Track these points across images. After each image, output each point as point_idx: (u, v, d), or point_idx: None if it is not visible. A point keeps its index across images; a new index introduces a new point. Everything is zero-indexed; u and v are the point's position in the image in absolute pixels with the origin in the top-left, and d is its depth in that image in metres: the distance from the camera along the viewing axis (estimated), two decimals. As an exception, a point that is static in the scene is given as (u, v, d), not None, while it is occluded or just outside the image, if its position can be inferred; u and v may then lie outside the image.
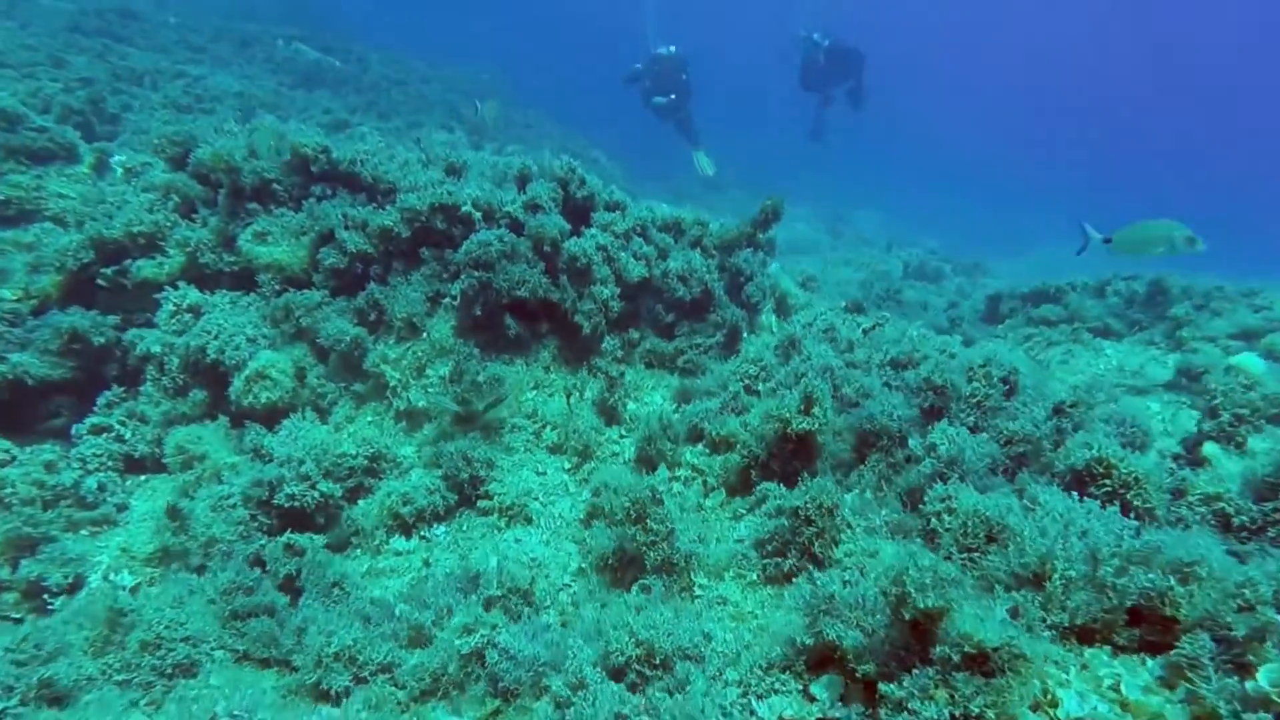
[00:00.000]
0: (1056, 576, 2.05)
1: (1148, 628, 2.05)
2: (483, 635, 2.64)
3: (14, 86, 9.18)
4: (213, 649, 3.04)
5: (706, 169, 14.89)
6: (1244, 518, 2.57)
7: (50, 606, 3.58)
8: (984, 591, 2.15)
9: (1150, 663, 2.00)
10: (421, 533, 3.82)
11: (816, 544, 2.70)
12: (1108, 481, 2.59)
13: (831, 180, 21.56)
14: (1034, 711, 1.84)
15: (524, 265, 4.34)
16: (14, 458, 4.25)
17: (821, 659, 2.16)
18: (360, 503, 3.97)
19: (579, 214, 4.76)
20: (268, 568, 3.42)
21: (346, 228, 4.52)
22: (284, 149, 4.65)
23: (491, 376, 4.08)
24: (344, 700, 2.69)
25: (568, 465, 4.03)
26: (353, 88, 15.88)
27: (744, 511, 3.29)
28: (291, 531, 3.56)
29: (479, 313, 4.28)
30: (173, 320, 4.41)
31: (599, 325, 4.40)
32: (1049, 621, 2.05)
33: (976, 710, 1.73)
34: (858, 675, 2.01)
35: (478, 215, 4.43)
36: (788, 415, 2.99)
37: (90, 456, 4.21)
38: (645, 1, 16.69)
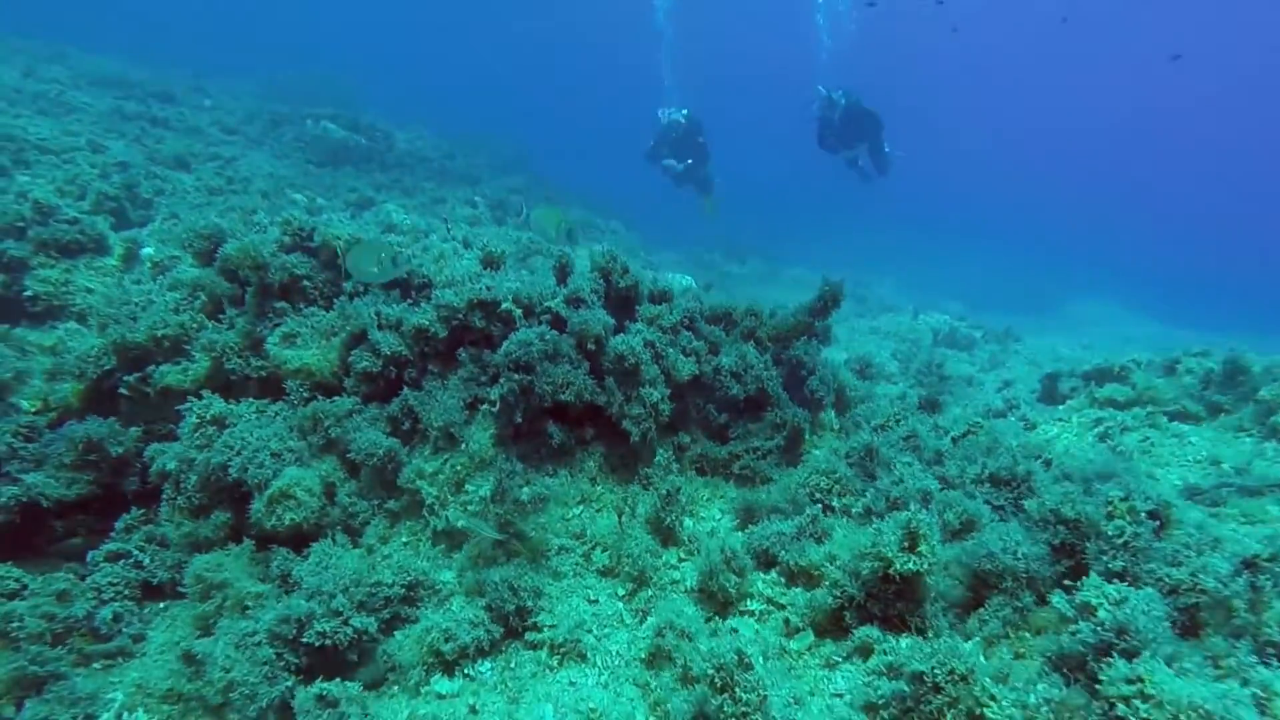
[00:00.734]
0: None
1: None
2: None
3: (53, 174, 9.16)
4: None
5: (713, 216, 14.42)
6: None
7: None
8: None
9: None
10: (465, 670, 3.36)
11: (949, 717, 2.23)
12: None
13: (846, 242, 21.41)
14: None
15: (567, 366, 3.97)
16: (25, 586, 3.86)
17: None
18: (397, 634, 3.53)
19: (622, 305, 4.42)
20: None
21: (380, 328, 4.20)
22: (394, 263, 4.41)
23: (536, 495, 3.67)
24: None
25: (622, 592, 3.58)
26: (378, 164, 15.98)
27: (839, 659, 2.82)
28: (322, 672, 3.14)
29: (520, 420, 3.89)
30: (196, 434, 4.05)
31: (649, 431, 4.00)
32: None
33: None
34: None
35: (518, 312, 4.09)
36: (889, 555, 2.55)
37: (106, 585, 3.81)
38: (662, 69, 16.75)
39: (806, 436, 4.33)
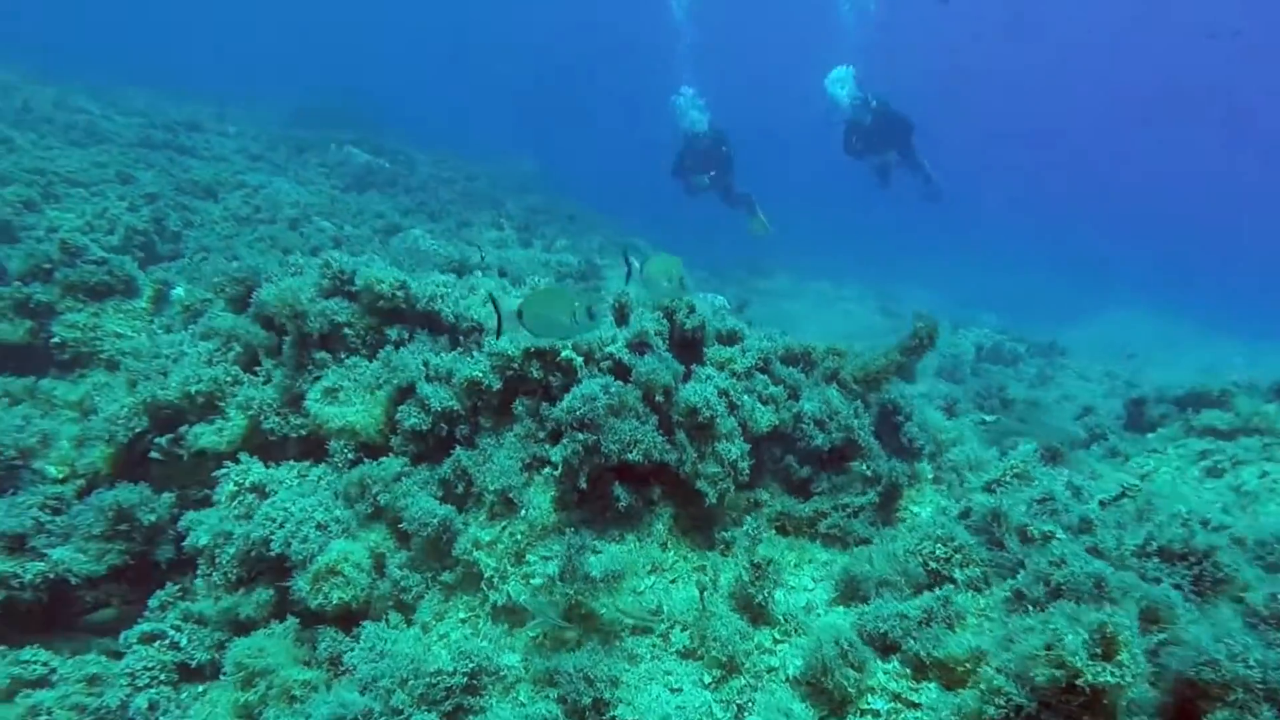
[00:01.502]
0: None
1: None
2: None
3: (82, 208, 8.91)
4: None
5: (765, 231, 13.69)
6: None
7: None
8: None
9: None
10: (538, 776, 2.94)
11: None
12: None
13: (871, 253, 20.88)
14: None
15: (634, 421, 3.55)
16: (53, 671, 3.49)
17: None
18: (459, 729, 3.11)
19: (688, 347, 4.00)
20: None
21: (429, 380, 3.80)
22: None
23: (609, 571, 3.25)
24: None
25: (708, 679, 3.14)
26: (402, 188, 15.71)
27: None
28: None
29: (584, 485, 3.48)
30: (234, 502, 3.67)
31: (726, 491, 3.57)
32: None
33: None
34: None
35: (579, 360, 3.68)
36: (1077, 664, 2.10)
37: (140, 670, 3.43)
38: (680, 74, 16.15)
39: (904, 491, 3.87)
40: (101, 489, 3.88)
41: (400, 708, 2.90)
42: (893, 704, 2.69)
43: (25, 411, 4.09)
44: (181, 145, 13.83)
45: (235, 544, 3.49)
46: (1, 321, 5.18)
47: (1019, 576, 2.77)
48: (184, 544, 3.61)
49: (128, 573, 3.93)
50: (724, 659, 3.11)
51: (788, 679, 3.01)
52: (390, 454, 3.85)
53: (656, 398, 3.58)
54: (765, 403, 3.74)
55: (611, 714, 3.03)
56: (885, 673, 2.80)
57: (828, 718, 2.76)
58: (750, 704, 2.96)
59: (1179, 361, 12.36)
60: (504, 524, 3.64)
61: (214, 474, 3.90)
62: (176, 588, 3.71)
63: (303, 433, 3.95)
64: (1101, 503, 3.40)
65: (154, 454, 4.01)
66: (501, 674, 3.25)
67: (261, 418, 3.92)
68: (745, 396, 3.72)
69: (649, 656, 3.26)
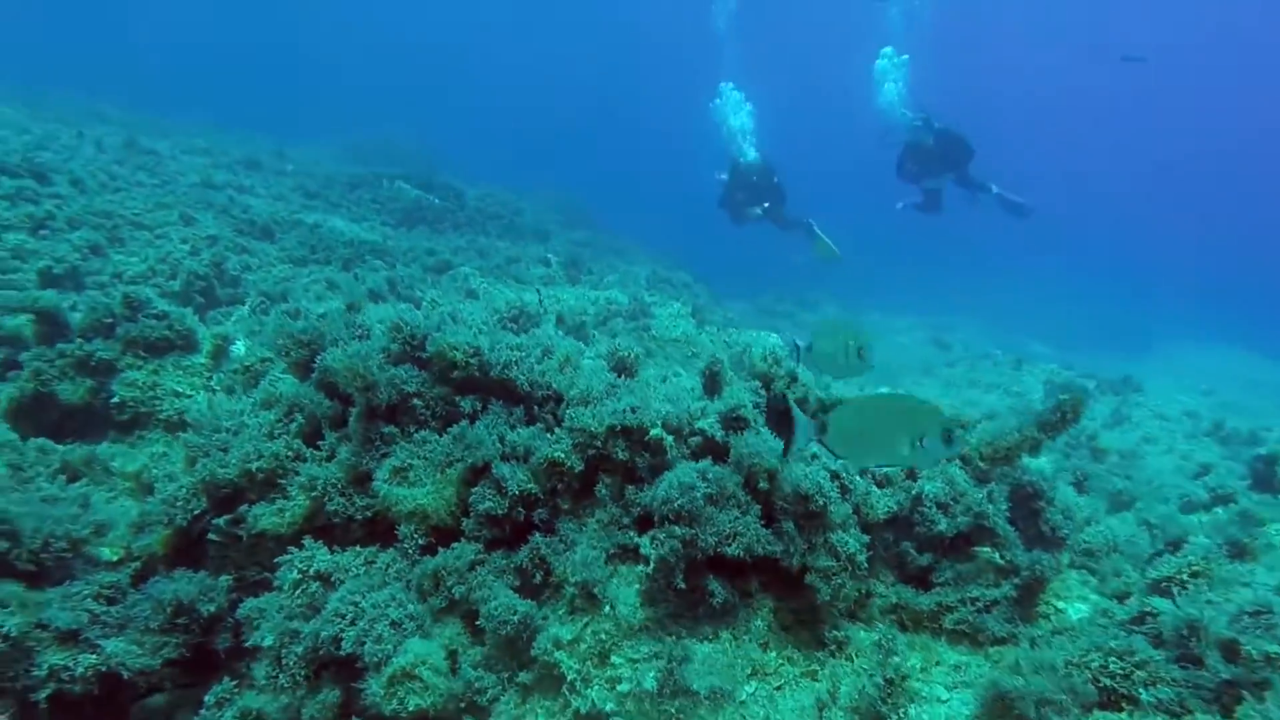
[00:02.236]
0: None
1: None
2: None
3: (146, 252, 8.87)
4: None
5: (832, 256, 12.86)
6: None
7: None
8: None
9: None
10: None
11: None
12: None
13: (920, 280, 20.18)
14: None
15: (734, 511, 3.11)
16: (100, 774, 3.15)
17: None
18: None
19: (788, 419, 3.55)
20: None
21: (505, 459, 3.42)
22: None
23: (714, 689, 2.80)
24: None
25: (835, 822, 2.66)
26: (450, 223, 15.64)
27: None
28: None
29: (681, 584, 3.04)
30: (297, 592, 3.31)
31: (842, 588, 3.10)
32: None
33: None
34: None
35: (669, 440, 3.26)
36: None
37: (193, 781, 3.07)
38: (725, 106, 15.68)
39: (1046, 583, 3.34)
40: (158, 576, 3.56)
41: None
42: None
43: (81, 492, 3.82)
44: (241, 185, 13.93)
45: (303, 643, 3.12)
46: (63, 381, 4.97)
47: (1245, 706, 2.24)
48: (245, 641, 3.26)
49: (181, 663, 3.60)
50: (855, 800, 2.63)
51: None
52: (462, 538, 3.47)
53: (760, 484, 3.14)
54: (881, 484, 3.27)
55: None
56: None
57: None
58: None
59: (1260, 396, 11.48)
60: (586, 620, 3.22)
61: (274, 558, 3.56)
62: (233, 684, 3.35)
63: (369, 514, 3.59)
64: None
65: (212, 536, 3.69)
66: (592, 803, 2.82)
67: (326, 499, 3.57)
68: (858, 478, 3.26)
69: (761, 788, 2.79)
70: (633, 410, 3.24)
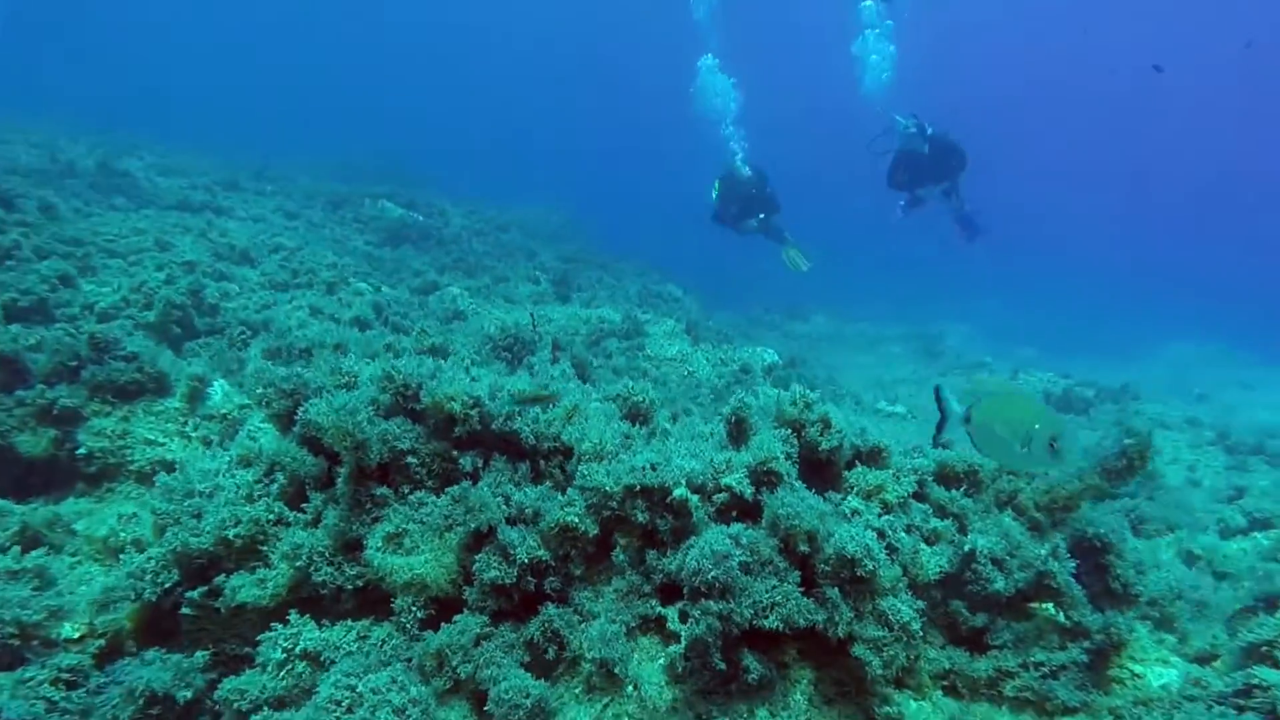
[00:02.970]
0: None
1: None
2: None
3: (119, 281, 8.38)
4: None
5: (801, 266, 12.63)
6: None
7: None
8: None
9: None
10: None
11: None
12: None
13: (907, 288, 20.00)
14: None
15: (772, 579, 2.76)
16: None
17: None
18: None
19: (821, 470, 3.22)
20: None
21: (511, 522, 3.04)
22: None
23: (765, 791, 2.44)
24: None
25: None
26: (435, 241, 15.21)
27: None
28: None
29: (719, 664, 2.68)
30: (283, 673, 2.92)
31: (895, 660, 2.75)
32: None
33: None
34: None
35: (694, 500, 2.90)
36: None
37: None
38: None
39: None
40: (125, 657, 3.15)
41: None
42: None
43: (39, 564, 3.39)
44: (219, 206, 13.44)
45: (289, 740, 2.73)
46: (23, 433, 4.52)
47: None
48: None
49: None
50: None
51: None
52: (465, 609, 3.09)
53: (799, 546, 2.79)
54: (930, 542, 2.94)
55: None
56: None
57: None
58: None
59: (1255, 401, 11.35)
60: (606, 701, 2.85)
61: (256, 634, 3.16)
62: (214, 784, 2.94)
63: (360, 583, 3.19)
64: None
65: (186, 610, 3.27)
66: None
67: (312, 568, 3.17)
68: (904, 535, 2.92)
69: None
70: (652, 468, 2.88)
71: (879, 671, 2.72)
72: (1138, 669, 2.97)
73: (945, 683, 3.01)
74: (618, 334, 9.95)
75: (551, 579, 3.02)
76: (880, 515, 2.91)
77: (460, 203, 18.63)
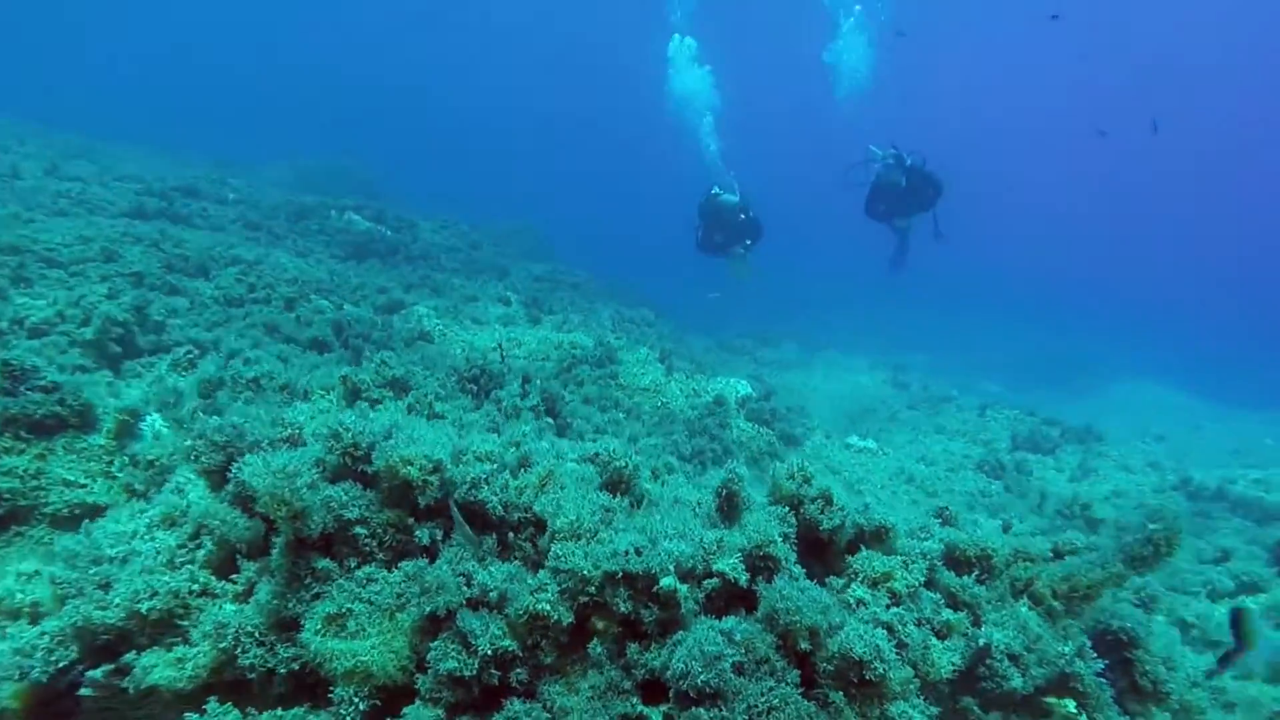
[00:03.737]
0: None
1: None
2: None
3: (55, 294, 7.70)
4: None
5: (744, 278, 12.19)
6: None
7: None
8: None
9: None
10: None
11: None
12: None
13: (875, 314, 20.03)
14: None
15: (769, 680, 2.40)
16: None
17: None
18: None
19: (821, 550, 2.88)
20: None
21: (473, 605, 2.63)
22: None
23: None
24: None
25: None
26: (404, 256, 14.63)
27: None
28: None
29: (710, 783, 2.30)
30: (195, 786, 2.45)
31: (904, 776, 2.41)
32: None
33: None
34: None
35: (683, 590, 2.53)
36: None
37: None
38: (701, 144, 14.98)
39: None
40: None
41: None
42: None
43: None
44: (176, 214, 12.70)
45: None
46: (-82, 471, 3.94)
47: None
48: None
49: None
50: None
51: None
52: (417, 699, 2.66)
53: (799, 644, 2.44)
54: (942, 636, 2.62)
55: None
56: None
57: None
58: None
59: (1210, 445, 11.47)
60: (580, 819, 2.44)
61: (169, 718, 2.68)
62: None
63: (295, 666, 2.74)
64: None
65: (85, 691, 2.77)
66: None
67: (239, 649, 2.70)
68: (913, 629, 2.59)
69: None
70: (637, 552, 2.51)
71: (887, 789, 2.38)
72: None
73: (954, 791, 2.69)
74: (590, 361, 9.56)
75: (518, 670, 2.61)
76: (888, 607, 2.58)
77: (431, 216, 18.09)
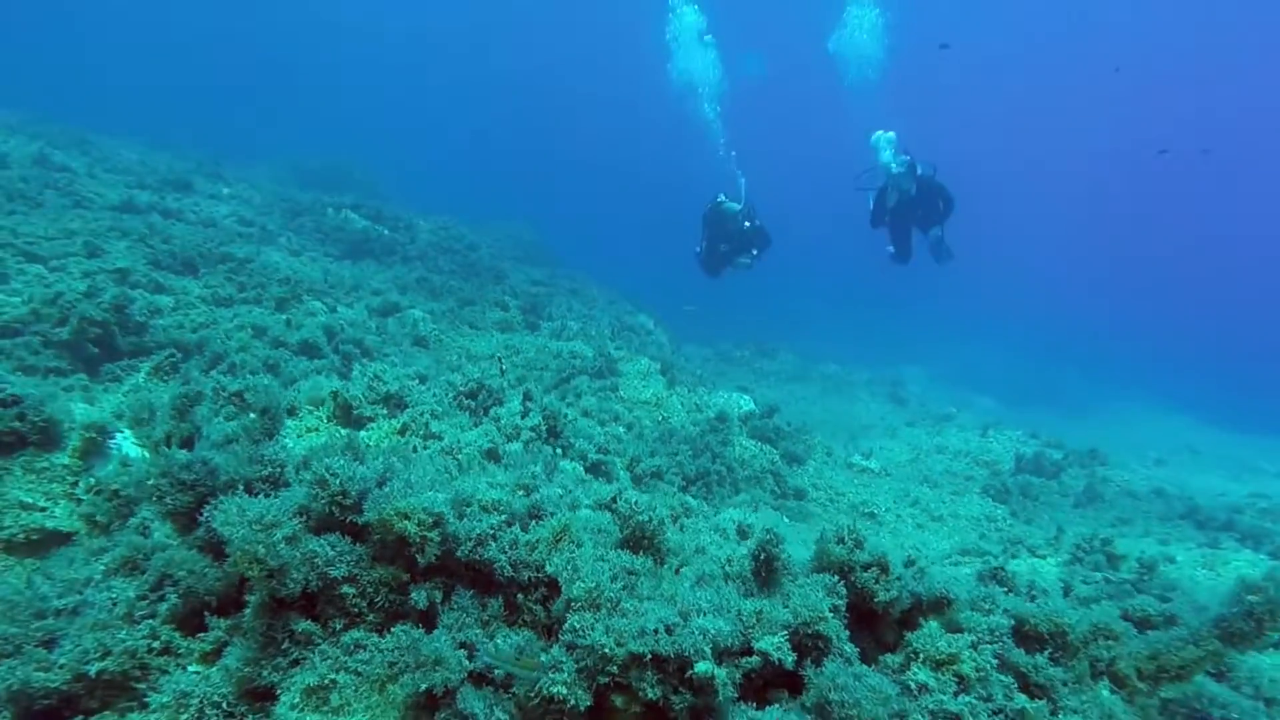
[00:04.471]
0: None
1: None
2: None
3: (32, 290, 7.23)
4: None
5: (744, 264, 11.75)
6: None
7: None
8: None
9: None
10: None
11: None
12: None
13: (874, 327, 19.76)
14: None
15: (822, 783, 2.03)
16: None
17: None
18: None
19: (872, 622, 2.51)
20: None
21: (476, 680, 2.24)
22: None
23: None
24: None
25: None
26: (400, 257, 14.18)
27: None
28: None
29: None
30: None
31: None
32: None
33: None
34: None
35: (721, 676, 2.15)
36: None
37: None
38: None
39: None
40: None
41: None
42: None
43: None
44: (168, 209, 12.18)
45: None
46: None
47: None
48: None
49: None
50: None
51: None
52: (407, 789, 2.26)
53: (855, 742, 2.07)
54: (1011, 730, 2.25)
55: None
56: None
57: None
58: None
59: (1205, 466, 11.25)
60: None
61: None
62: None
63: (267, 747, 2.34)
64: None
65: (24, 770, 2.36)
66: None
67: (202, 726, 2.30)
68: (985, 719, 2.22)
69: None
70: (667, 630, 2.13)
71: None
72: None
73: None
74: (589, 372, 9.18)
75: (525, 762, 2.23)
76: (956, 694, 2.22)
77: (429, 216, 17.62)
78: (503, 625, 2.42)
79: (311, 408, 4.80)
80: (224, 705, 2.35)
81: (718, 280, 11.57)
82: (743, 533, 3.54)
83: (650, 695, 2.15)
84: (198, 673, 2.45)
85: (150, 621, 2.56)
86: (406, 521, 2.34)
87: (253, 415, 3.73)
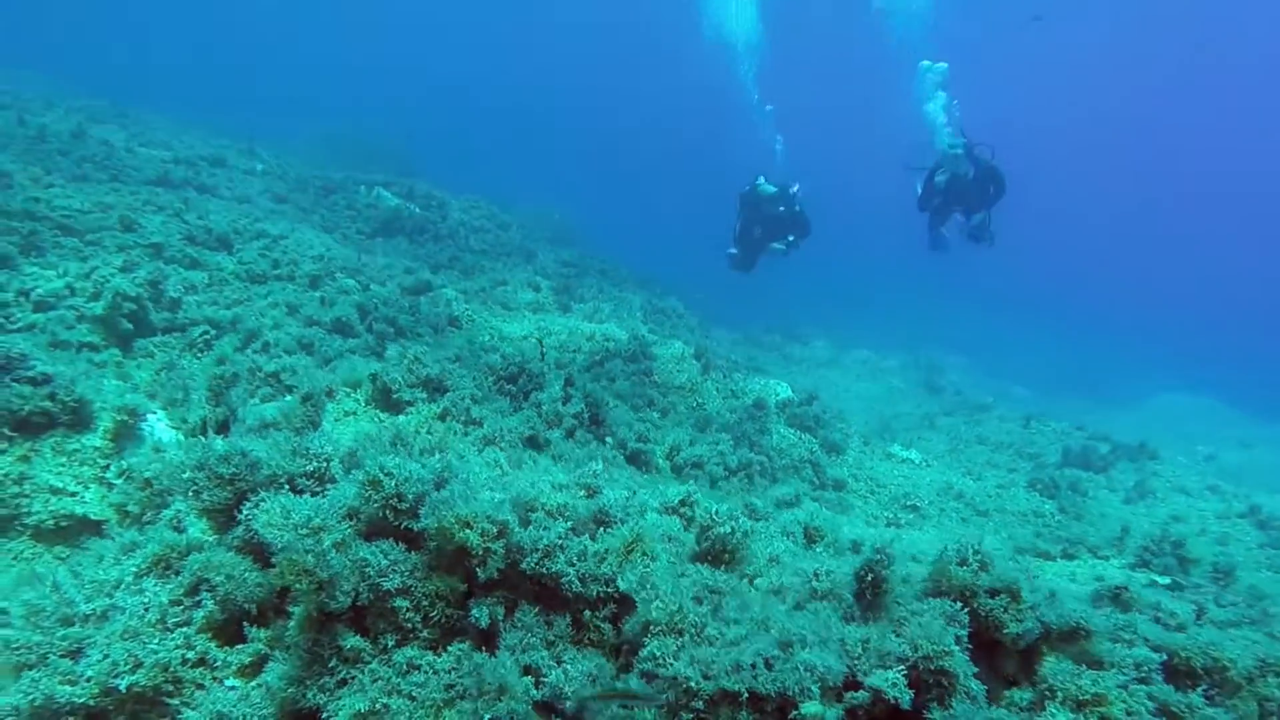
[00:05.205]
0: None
1: None
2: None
3: (67, 265, 7.05)
4: None
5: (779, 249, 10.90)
6: None
7: None
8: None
9: None
10: None
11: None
12: None
13: (907, 312, 19.12)
14: None
15: None
16: None
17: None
18: None
19: (991, 650, 2.17)
20: None
21: (543, 710, 1.96)
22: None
23: None
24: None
25: None
26: (431, 235, 13.90)
27: None
28: None
29: None
30: None
31: None
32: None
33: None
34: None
35: (830, 716, 1.84)
36: None
37: None
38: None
39: None
40: None
41: None
42: None
43: None
44: (202, 184, 12.00)
45: None
46: (-118, 475, 3.30)
47: None
48: None
49: None
50: None
51: None
52: (465, 827, 1.99)
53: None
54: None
55: None
56: None
57: None
58: None
59: (1257, 461, 10.68)
60: None
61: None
62: None
63: (312, 775, 2.08)
64: None
65: (50, 789, 2.13)
66: None
67: (241, 751, 2.05)
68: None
69: None
70: (766, 665, 1.81)
71: None
72: None
73: None
74: (623, 355, 8.86)
75: (599, 807, 1.94)
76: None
77: (461, 195, 17.30)
78: (569, 646, 2.12)
79: (349, 390, 4.54)
80: (265, 726, 2.10)
81: (750, 275, 11.03)
82: (809, 536, 3.22)
83: (746, 738, 1.85)
84: (235, 688, 2.19)
85: (185, 630, 2.31)
86: (469, 531, 2.04)
87: (290, 399, 3.46)
